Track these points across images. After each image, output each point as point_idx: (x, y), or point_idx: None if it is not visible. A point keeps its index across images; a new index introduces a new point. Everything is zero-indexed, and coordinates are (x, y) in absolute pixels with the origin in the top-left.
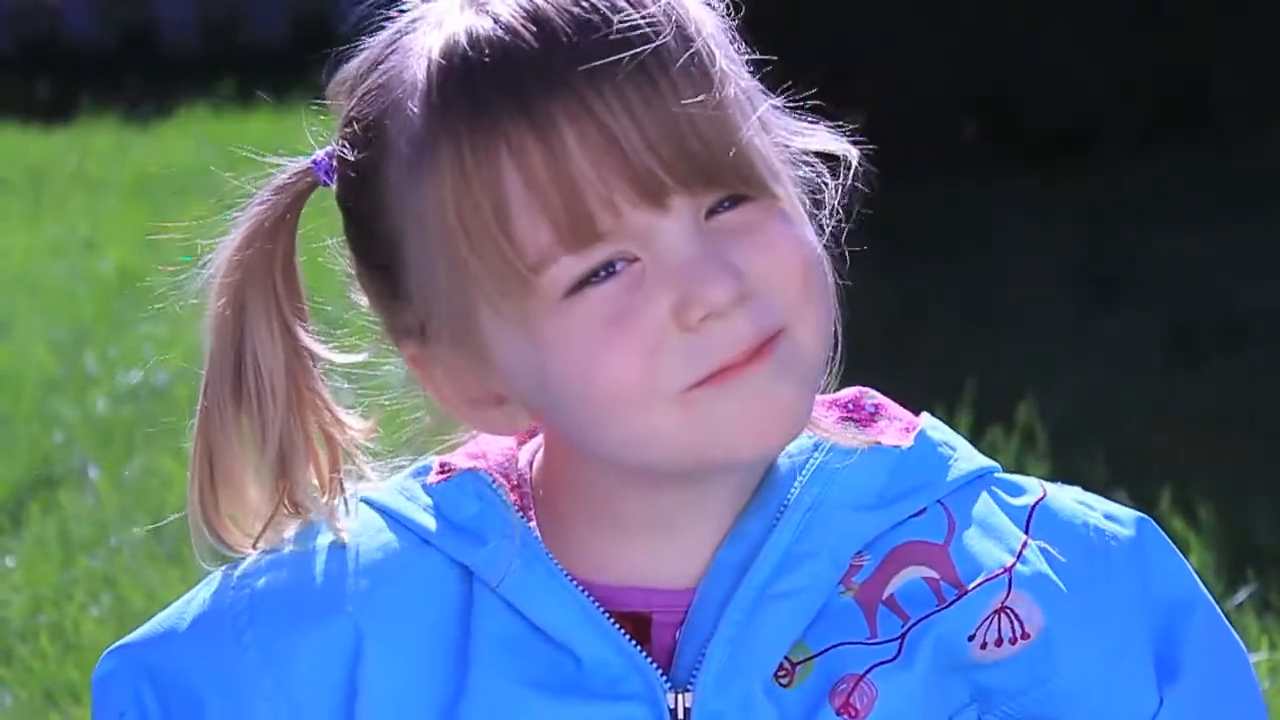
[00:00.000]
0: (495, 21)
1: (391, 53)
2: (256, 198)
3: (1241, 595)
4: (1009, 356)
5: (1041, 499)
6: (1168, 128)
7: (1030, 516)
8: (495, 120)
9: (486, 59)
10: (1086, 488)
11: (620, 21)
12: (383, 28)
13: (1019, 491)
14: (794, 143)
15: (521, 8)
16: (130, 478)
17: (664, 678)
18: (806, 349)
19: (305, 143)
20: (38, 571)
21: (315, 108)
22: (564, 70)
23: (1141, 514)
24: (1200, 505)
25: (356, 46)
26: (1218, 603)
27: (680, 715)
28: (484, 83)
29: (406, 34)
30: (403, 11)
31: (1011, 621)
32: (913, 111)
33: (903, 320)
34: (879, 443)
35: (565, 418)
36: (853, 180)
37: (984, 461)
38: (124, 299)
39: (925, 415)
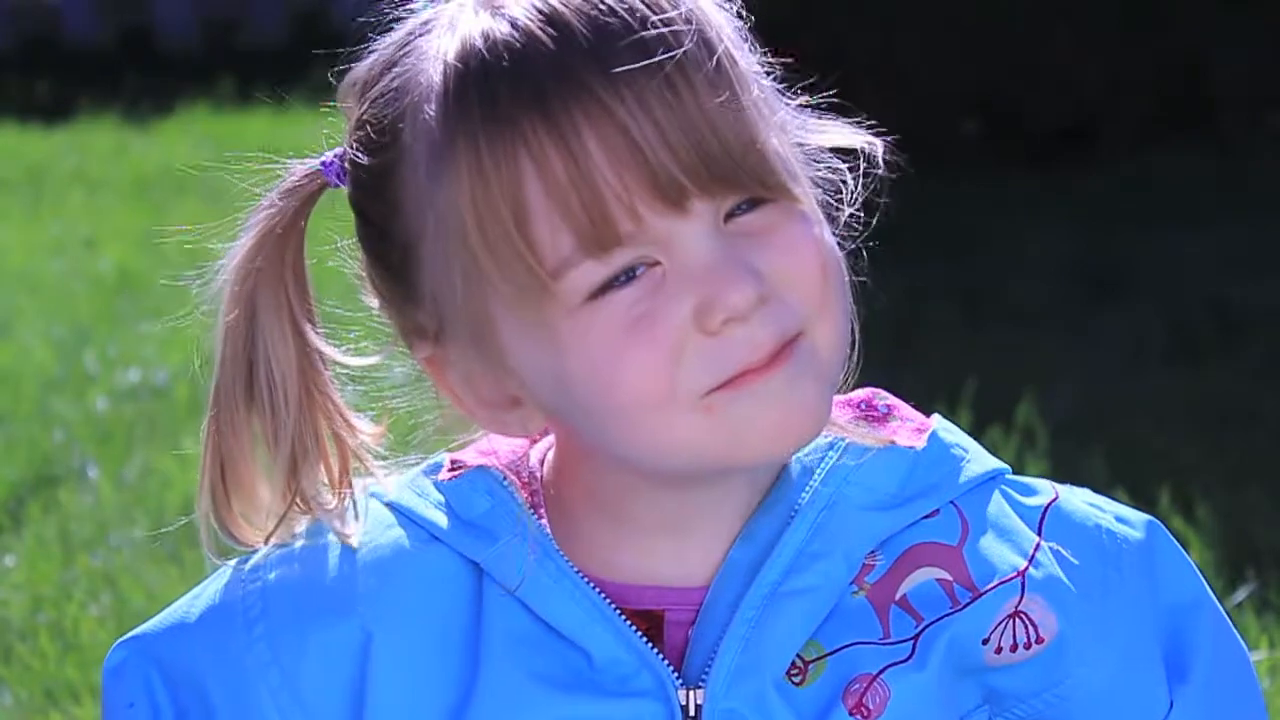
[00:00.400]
0: (512, 25)
1: (404, 55)
2: (264, 201)
3: (1241, 594)
4: (1009, 356)
5: (1054, 500)
6: (1167, 127)
7: (1043, 518)
8: (514, 123)
9: (505, 62)
10: (1087, 487)
11: (638, 24)
12: (390, 28)
13: (1031, 492)
14: (811, 141)
15: (538, 10)
16: (130, 477)
17: (676, 675)
18: (825, 350)
19: (306, 142)
20: (38, 571)
21: (324, 109)
22: (583, 73)
23: (1151, 517)
24: (1200, 504)
25: (364, 48)
26: (1218, 602)
27: (692, 713)
28: (502, 86)
29: (419, 36)
30: (412, 13)
31: (1026, 626)
32: (913, 111)
33: (903, 320)
34: (894, 442)
35: (584, 421)
36: (875, 171)
37: (995, 463)
38: (124, 298)
39: (936, 416)
